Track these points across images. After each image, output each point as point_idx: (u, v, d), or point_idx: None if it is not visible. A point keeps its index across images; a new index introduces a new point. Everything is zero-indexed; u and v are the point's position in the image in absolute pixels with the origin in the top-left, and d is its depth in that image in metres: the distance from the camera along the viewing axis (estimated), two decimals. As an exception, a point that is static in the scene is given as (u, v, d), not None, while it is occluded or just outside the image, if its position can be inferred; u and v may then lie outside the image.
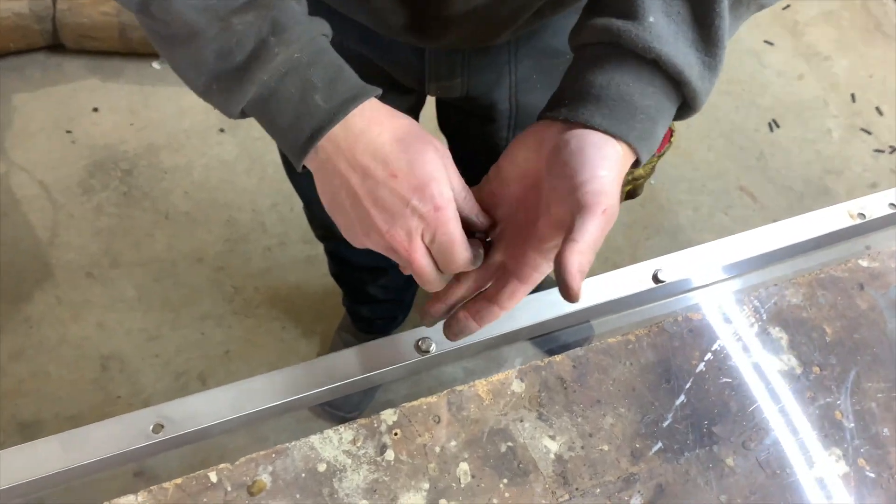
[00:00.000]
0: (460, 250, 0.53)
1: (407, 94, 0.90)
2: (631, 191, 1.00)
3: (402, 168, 0.51)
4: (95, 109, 1.95)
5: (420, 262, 0.53)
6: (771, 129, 2.06)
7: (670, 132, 0.96)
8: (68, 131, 1.90)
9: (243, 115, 0.54)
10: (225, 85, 0.51)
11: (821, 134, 2.06)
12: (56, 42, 1.98)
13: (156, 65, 2.02)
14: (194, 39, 0.49)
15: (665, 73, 0.51)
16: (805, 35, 2.26)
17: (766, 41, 2.24)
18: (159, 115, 1.95)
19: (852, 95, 2.14)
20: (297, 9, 0.51)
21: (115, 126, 1.92)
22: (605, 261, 1.79)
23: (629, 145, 0.52)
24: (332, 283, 1.46)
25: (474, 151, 1.04)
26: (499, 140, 0.94)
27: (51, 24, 1.92)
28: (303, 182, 1.10)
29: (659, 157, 0.93)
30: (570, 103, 0.52)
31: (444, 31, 0.71)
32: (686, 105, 0.54)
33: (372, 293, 1.40)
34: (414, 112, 0.98)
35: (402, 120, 0.54)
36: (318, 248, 1.41)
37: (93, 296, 1.68)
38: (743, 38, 2.24)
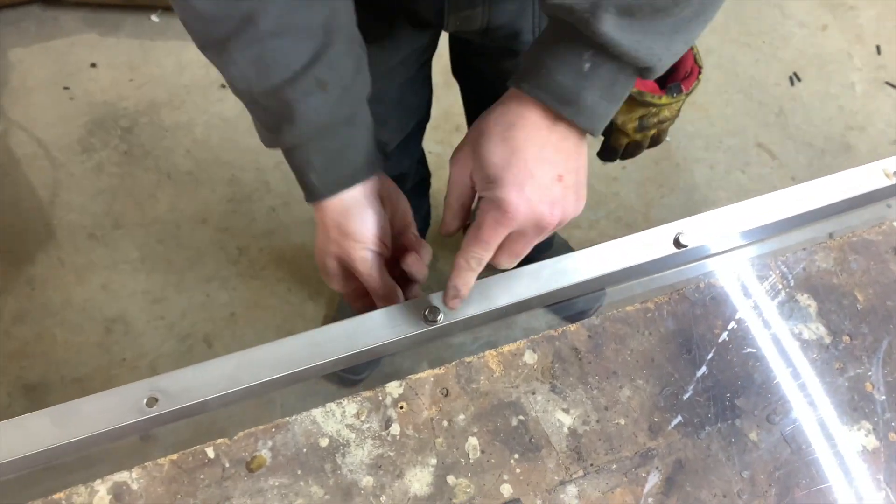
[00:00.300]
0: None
1: (422, 31, 0.86)
2: (655, 136, 0.95)
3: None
4: (93, 65, 1.89)
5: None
6: (792, 83, 1.99)
7: (698, 70, 0.90)
8: (66, 88, 1.85)
9: None
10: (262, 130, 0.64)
11: (844, 88, 1.98)
12: (51, -6, 1.92)
13: (154, 18, 1.96)
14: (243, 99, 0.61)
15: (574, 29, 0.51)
16: (829, -16, 2.16)
17: (788, -10, 2.15)
18: (159, 71, 1.89)
19: (878, 48, 2.06)
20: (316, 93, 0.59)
21: (115, 82, 1.87)
22: (618, 220, 1.75)
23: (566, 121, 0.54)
24: (338, 244, 1.42)
25: (490, 93, 0.99)
26: None
27: (45, -24, 1.86)
28: None
29: (686, 95, 0.87)
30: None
31: None
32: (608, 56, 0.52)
33: None
34: (426, 54, 0.93)
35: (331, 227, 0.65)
36: (323, 209, 1.37)
37: (95, 257, 1.65)
38: (764, -13, 2.15)
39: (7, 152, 1.76)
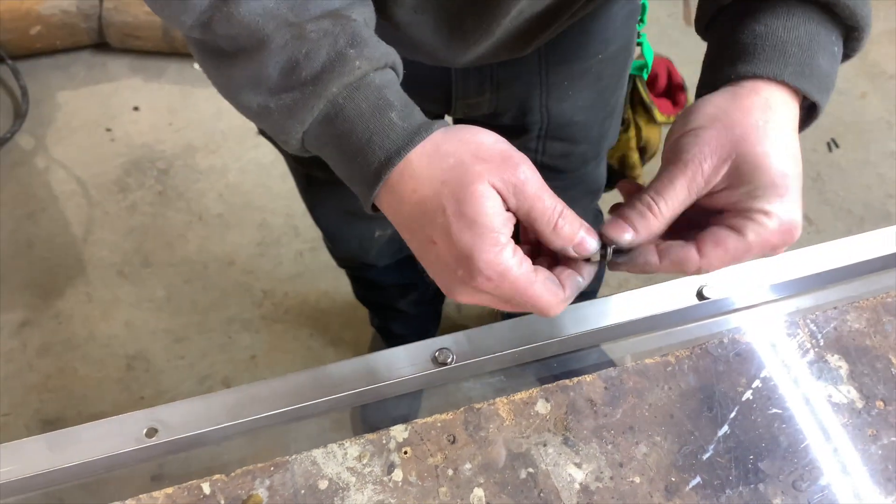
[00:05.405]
0: (538, 302, 0.46)
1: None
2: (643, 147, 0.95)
3: (439, 235, 0.45)
4: (136, 108, 1.95)
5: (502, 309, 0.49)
6: (829, 150, 1.96)
7: (684, 98, 0.90)
8: (108, 129, 1.91)
9: (302, 145, 0.49)
10: (287, 103, 0.46)
11: (883, 156, 1.95)
12: (101, 41, 2.00)
13: (196, 66, 2.03)
14: (258, 51, 0.45)
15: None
16: (869, 53, 2.15)
17: (825, 58, 2.14)
18: (198, 116, 1.94)
19: (918, 117, 2.03)
20: (370, 29, 0.48)
21: (154, 125, 1.92)
22: (641, 275, 1.71)
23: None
24: (362, 291, 1.41)
25: None
26: (526, 152, 0.88)
27: (97, 23, 1.94)
28: (320, 214, 1.06)
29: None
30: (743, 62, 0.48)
31: (475, 45, 0.66)
32: (848, 34, 0.49)
33: (402, 308, 1.35)
34: None
35: (449, 159, 0.46)
36: (349, 255, 1.36)
37: (123, 294, 1.67)
38: (801, 54, 2.14)
39: (47, 188, 1.81)
